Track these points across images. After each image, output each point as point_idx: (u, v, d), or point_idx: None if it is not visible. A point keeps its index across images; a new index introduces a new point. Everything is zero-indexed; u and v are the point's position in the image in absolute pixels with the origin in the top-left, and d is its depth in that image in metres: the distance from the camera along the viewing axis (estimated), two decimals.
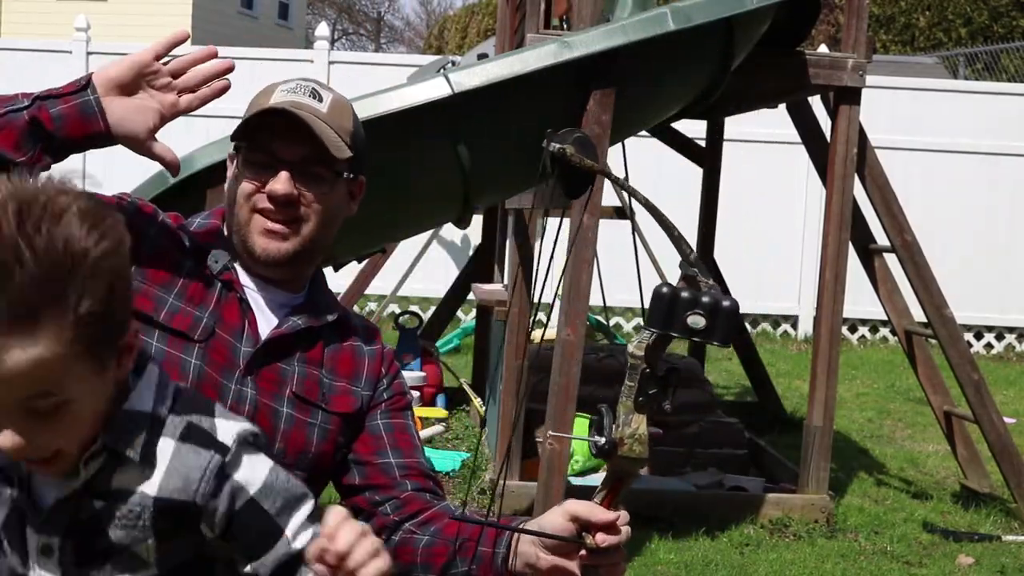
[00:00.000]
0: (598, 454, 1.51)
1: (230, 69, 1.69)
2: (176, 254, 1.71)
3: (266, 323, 1.74)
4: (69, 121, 1.57)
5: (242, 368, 1.68)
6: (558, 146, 1.63)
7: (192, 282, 1.69)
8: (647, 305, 1.46)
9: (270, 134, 1.67)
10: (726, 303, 1.44)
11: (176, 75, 1.64)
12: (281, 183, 1.66)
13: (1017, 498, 4.44)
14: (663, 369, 1.49)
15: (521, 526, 1.61)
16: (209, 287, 1.70)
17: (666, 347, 1.48)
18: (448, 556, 1.70)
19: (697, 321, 1.43)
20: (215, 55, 1.68)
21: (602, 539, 1.53)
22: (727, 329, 1.44)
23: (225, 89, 1.67)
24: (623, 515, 1.55)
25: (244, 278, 1.74)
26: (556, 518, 1.57)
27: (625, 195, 6.50)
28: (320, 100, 1.71)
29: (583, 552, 1.55)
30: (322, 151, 1.67)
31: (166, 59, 1.66)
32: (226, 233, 1.77)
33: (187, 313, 1.66)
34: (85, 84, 1.59)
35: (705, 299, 1.44)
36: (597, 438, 1.51)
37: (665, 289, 1.45)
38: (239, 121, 1.73)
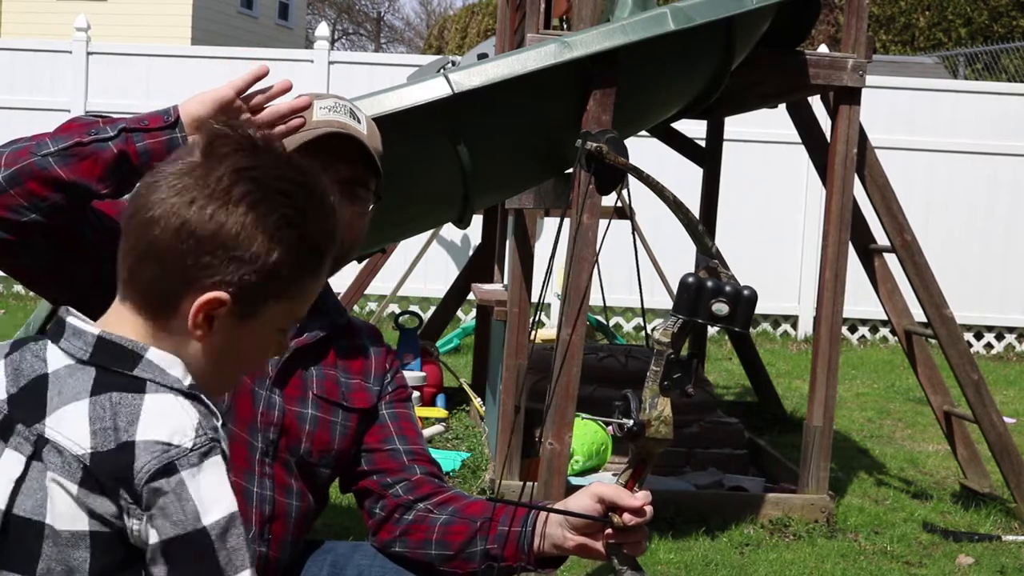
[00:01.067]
0: (625, 436, 1.60)
1: (306, 106, 1.68)
2: None
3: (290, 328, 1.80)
4: (155, 157, 1.54)
5: (272, 377, 1.76)
6: (595, 145, 1.73)
7: None
8: (674, 294, 1.55)
9: (324, 152, 1.71)
10: (747, 291, 1.54)
11: (254, 111, 1.63)
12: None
13: (1017, 498, 4.44)
14: (685, 355, 1.58)
15: (551, 506, 1.69)
16: None
17: (688, 333, 1.57)
18: (467, 535, 1.76)
19: (721, 308, 1.53)
20: (290, 88, 1.68)
21: (629, 518, 1.61)
22: (747, 315, 1.54)
23: (300, 126, 1.66)
24: (647, 495, 1.63)
25: None
26: (584, 500, 1.64)
27: (625, 195, 6.50)
28: (359, 121, 1.79)
29: (608, 531, 1.63)
30: (368, 173, 1.77)
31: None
32: None
33: None
34: (174, 122, 1.56)
35: (728, 288, 1.53)
36: (625, 420, 1.59)
37: (692, 279, 1.54)
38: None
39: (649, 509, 1.62)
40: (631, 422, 1.58)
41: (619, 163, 1.73)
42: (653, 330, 1.56)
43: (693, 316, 1.54)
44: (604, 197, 3.79)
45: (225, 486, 1.20)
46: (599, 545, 1.65)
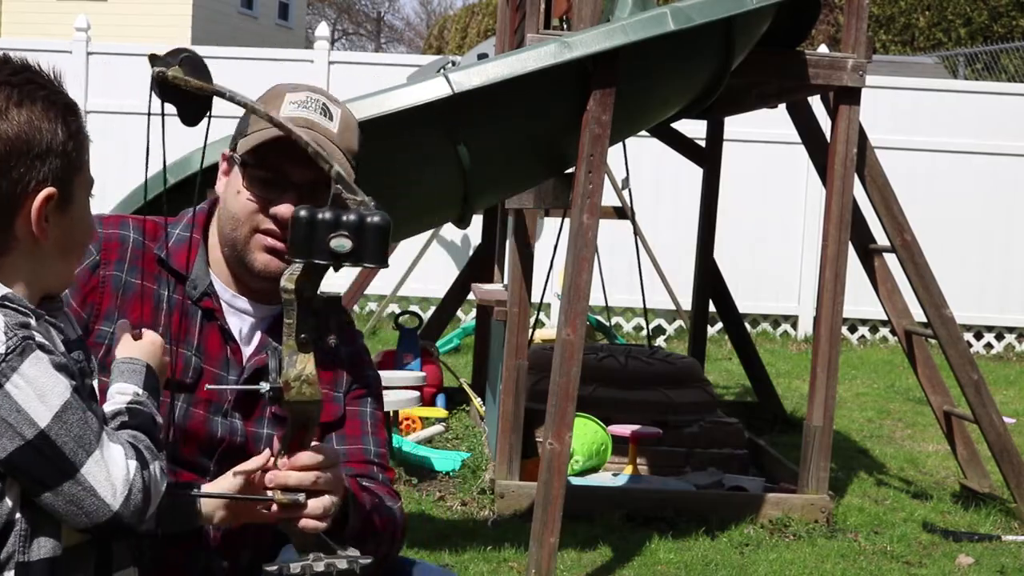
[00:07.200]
0: (270, 403, 1.46)
1: None
2: (151, 288, 1.68)
3: (247, 345, 1.72)
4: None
5: (230, 402, 1.68)
6: (159, 70, 1.40)
7: (173, 314, 1.67)
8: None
9: (281, 153, 1.62)
10: (374, 219, 1.33)
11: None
12: (287, 208, 1.62)
13: (1017, 498, 4.44)
14: (320, 301, 1.40)
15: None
16: (189, 316, 1.69)
17: (321, 276, 1.38)
18: None
19: (342, 244, 1.33)
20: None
21: (270, 478, 1.49)
22: (378, 247, 1.33)
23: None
24: (311, 457, 1.49)
25: (224, 293, 1.71)
26: (227, 479, 1.57)
27: (626, 195, 6.49)
28: (331, 118, 1.67)
29: (274, 508, 1.51)
30: (326, 175, 1.61)
31: None
32: (216, 242, 1.72)
33: (175, 355, 1.64)
34: None
35: (349, 217, 1.33)
36: (262, 384, 1.44)
37: (304, 212, 1.34)
38: (234, 122, 1.69)
39: (307, 476, 1.47)
40: (267, 387, 1.42)
41: (194, 87, 1.41)
42: (286, 275, 1.39)
43: (309, 257, 1.33)
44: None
45: (50, 376, 1.27)
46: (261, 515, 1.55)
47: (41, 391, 1.25)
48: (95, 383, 1.41)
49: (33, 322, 1.30)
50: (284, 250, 1.62)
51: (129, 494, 1.29)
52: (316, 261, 1.34)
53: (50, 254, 1.35)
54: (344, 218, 1.33)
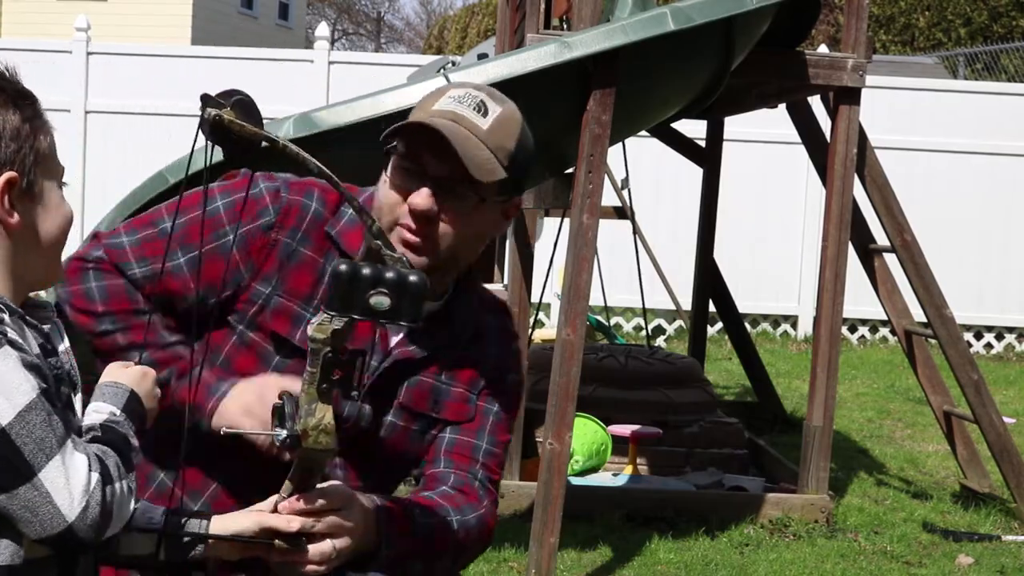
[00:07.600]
0: (282, 448, 1.44)
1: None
2: (318, 261, 1.69)
3: (395, 334, 1.72)
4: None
5: (366, 387, 1.67)
6: (214, 112, 1.39)
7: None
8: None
9: (422, 143, 1.62)
10: (413, 278, 1.34)
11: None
12: (422, 198, 1.62)
13: (1017, 498, 4.44)
14: (348, 353, 1.39)
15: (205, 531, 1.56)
16: None
17: (352, 328, 1.39)
18: None
19: (381, 302, 1.33)
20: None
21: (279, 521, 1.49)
22: (415, 306, 1.34)
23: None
24: (310, 502, 1.50)
25: None
26: (246, 522, 1.55)
27: (626, 195, 6.49)
28: (485, 115, 1.66)
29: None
30: (467, 172, 1.62)
31: None
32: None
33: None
34: None
35: (389, 275, 1.34)
36: (279, 431, 1.42)
37: (344, 266, 1.34)
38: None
39: (308, 520, 1.49)
40: (284, 434, 1.40)
41: (246, 133, 1.40)
42: (315, 324, 1.39)
43: (347, 312, 1.33)
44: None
45: (18, 372, 1.24)
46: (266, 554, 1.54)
47: (6, 387, 1.22)
48: (77, 396, 1.39)
49: (7, 317, 1.28)
50: (420, 245, 1.63)
51: (87, 506, 1.24)
52: (355, 317, 1.34)
53: (23, 243, 1.33)
54: (385, 275, 1.33)
